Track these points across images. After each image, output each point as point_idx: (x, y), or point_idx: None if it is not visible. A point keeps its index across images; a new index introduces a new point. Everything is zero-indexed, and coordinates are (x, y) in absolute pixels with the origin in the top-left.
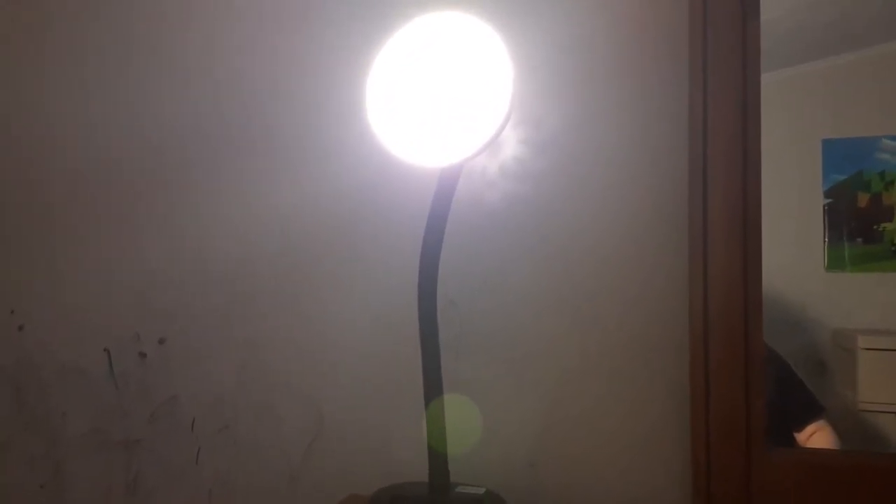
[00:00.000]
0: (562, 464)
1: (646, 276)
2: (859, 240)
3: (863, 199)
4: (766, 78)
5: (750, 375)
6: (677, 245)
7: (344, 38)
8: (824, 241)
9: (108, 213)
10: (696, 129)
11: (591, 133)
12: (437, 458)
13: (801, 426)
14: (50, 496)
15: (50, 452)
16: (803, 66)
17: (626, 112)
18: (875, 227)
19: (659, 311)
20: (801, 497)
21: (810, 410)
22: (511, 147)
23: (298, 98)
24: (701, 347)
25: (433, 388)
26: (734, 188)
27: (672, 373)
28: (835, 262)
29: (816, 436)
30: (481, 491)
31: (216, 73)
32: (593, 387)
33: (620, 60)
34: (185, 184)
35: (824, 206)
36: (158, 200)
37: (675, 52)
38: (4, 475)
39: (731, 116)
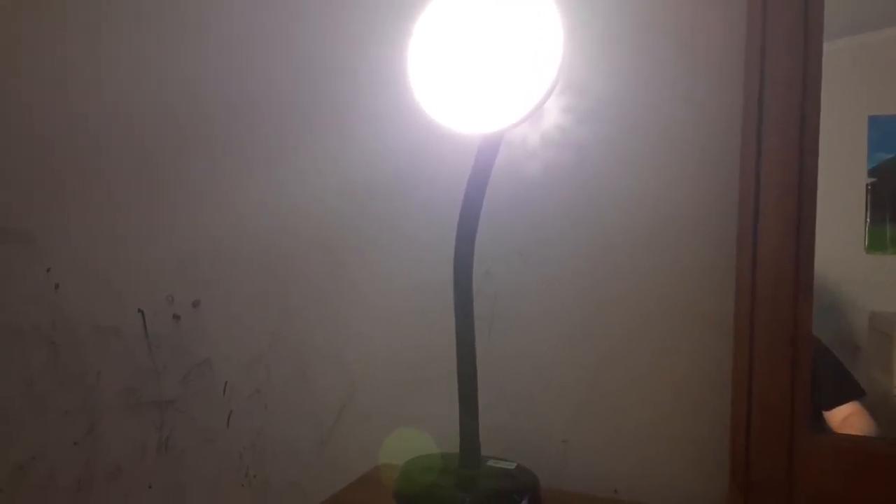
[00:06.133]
0: (596, 442)
1: (692, 254)
2: None
3: None
4: None
5: (796, 361)
6: (727, 223)
7: None
8: (866, 222)
9: (145, 175)
10: (751, 102)
11: (640, 102)
12: (469, 430)
13: (832, 405)
14: (84, 453)
15: (84, 410)
16: (851, 38)
17: (678, 81)
18: None
19: (705, 290)
20: (844, 484)
21: (845, 390)
22: (554, 115)
23: (337, 62)
24: (746, 330)
25: (467, 359)
26: (789, 167)
27: (715, 355)
28: (876, 244)
29: (851, 420)
30: (512, 465)
31: (257, 40)
32: (632, 364)
33: (674, 26)
34: (223, 149)
35: (867, 185)
36: (196, 165)
37: (733, 20)
38: (40, 433)
39: (790, 90)
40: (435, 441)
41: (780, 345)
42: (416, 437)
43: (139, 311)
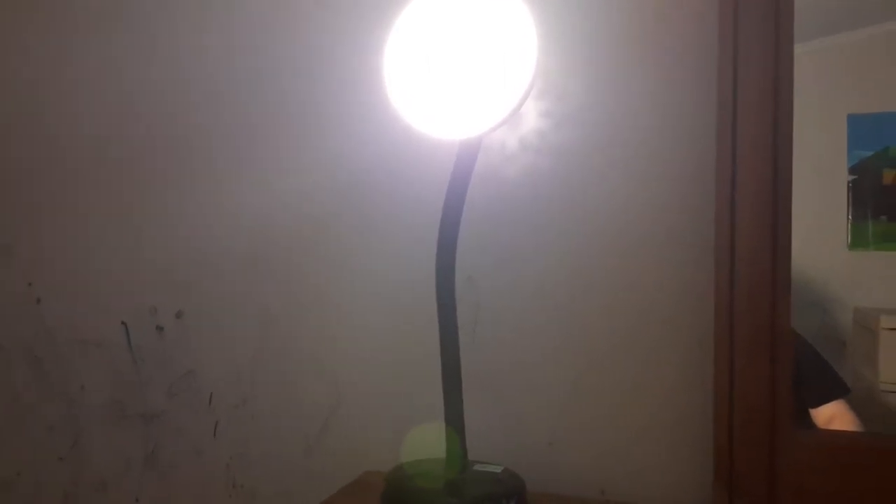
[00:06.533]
0: (581, 444)
1: (672, 255)
2: (883, 217)
3: (888, 176)
4: None
5: (776, 358)
6: (705, 224)
7: (362, 2)
8: (847, 219)
9: (124, 188)
10: (725, 104)
11: (616, 106)
12: (454, 435)
13: (818, 403)
14: (70, 468)
15: (69, 424)
16: (829, 38)
17: (654, 85)
18: None
19: (686, 291)
20: (827, 480)
21: (831, 388)
22: (532, 120)
23: (314, 68)
24: (726, 328)
25: (451, 365)
26: (763, 167)
27: (698, 355)
28: (858, 240)
29: (837, 417)
30: (499, 469)
31: (231, 42)
32: (616, 367)
33: (649, 31)
34: (203, 157)
35: (848, 183)
36: (177, 174)
37: (706, 24)
38: (24, 448)
39: (762, 91)
40: (421, 447)
41: (759, 342)
42: (403, 444)
43: (122, 323)
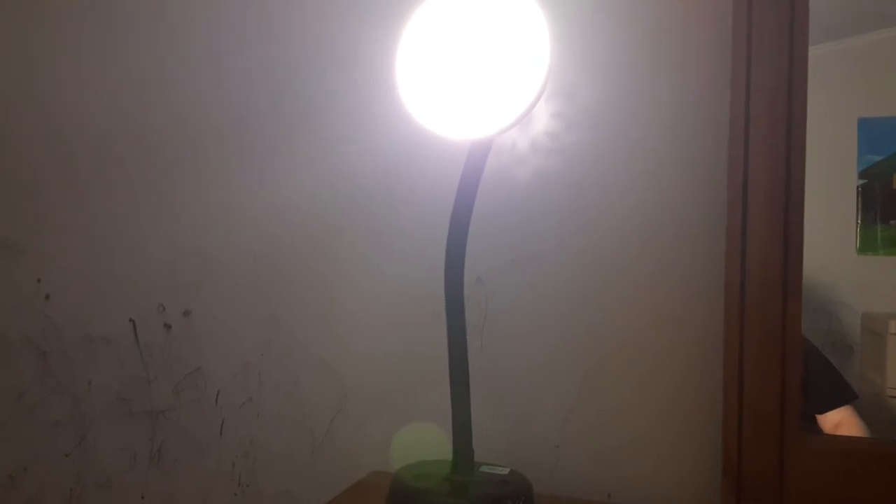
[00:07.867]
0: (588, 446)
1: (682, 257)
2: (893, 222)
3: None
4: None
5: (786, 362)
6: (716, 225)
7: (374, 3)
8: (857, 223)
9: (134, 184)
10: (738, 106)
11: (627, 108)
12: (462, 436)
13: (825, 409)
14: (75, 464)
15: (75, 421)
16: (841, 41)
17: (666, 86)
18: None
19: (696, 294)
20: (835, 485)
21: (838, 394)
22: (542, 121)
23: (327, 68)
24: (736, 332)
25: (459, 366)
26: (776, 171)
27: (707, 358)
28: (867, 245)
29: (844, 424)
30: (506, 471)
31: (243, 44)
32: (624, 370)
33: (660, 31)
34: (212, 156)
35: (858, 187)
36: (186, 172)
37: (719, 25)
38: (30, 444)
39: (776, 94)
40: (428, 447)
41: (769, 346)
42: (409, 444)
43: (130, 320)
